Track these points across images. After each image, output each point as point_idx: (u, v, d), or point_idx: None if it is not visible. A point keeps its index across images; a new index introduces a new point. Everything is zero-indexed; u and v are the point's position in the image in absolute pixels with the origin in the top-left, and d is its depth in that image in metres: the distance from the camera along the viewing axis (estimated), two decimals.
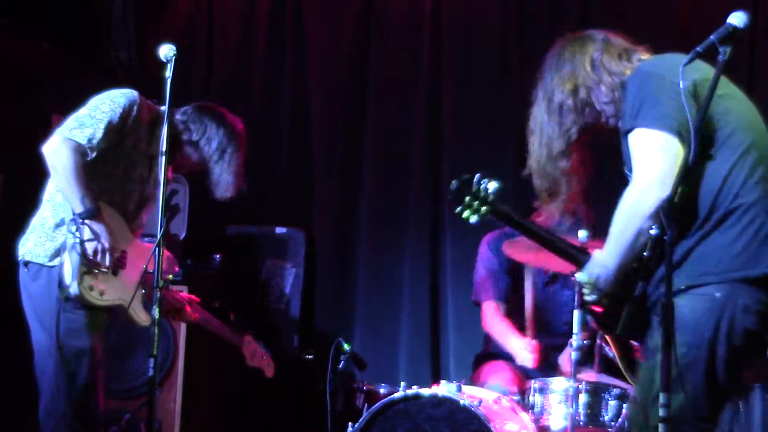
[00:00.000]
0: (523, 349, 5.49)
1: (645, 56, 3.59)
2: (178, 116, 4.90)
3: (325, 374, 5.33)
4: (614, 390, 4.83)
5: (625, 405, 4.76)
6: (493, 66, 6.85)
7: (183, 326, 5.82)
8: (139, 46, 7.61)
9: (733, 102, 3.41)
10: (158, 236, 4.26)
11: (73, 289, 4.41)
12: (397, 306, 6.98)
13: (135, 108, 4.66)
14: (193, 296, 5.13)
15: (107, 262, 4.51)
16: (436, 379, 6.06)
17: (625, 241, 3.32)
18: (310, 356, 6.54)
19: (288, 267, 6.75)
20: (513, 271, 5.77)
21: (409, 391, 4.88)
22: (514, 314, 5.73)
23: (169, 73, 4.30)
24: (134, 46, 7.63)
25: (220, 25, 7.54)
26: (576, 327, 4.75)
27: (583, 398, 4.82)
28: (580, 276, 3.51)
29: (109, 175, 4.63)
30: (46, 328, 4.47)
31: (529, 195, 3.92)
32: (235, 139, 5.02)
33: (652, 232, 3.09)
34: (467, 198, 3.62)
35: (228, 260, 6.32)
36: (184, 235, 6.18)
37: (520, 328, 5.64)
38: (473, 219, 3.61)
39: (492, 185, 3.65)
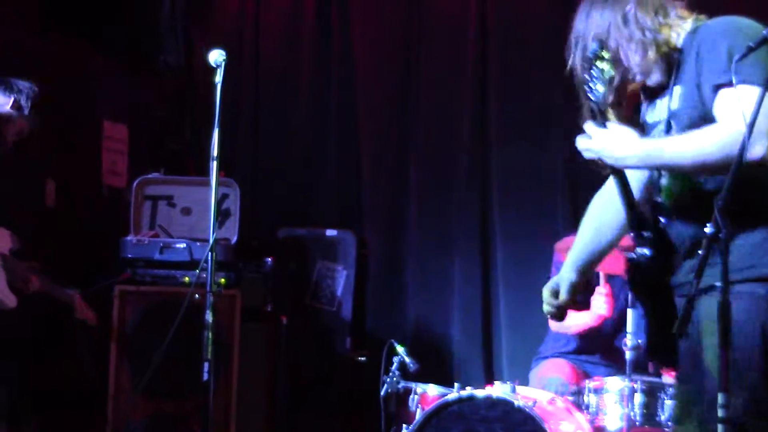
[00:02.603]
0: (599, 294, 5.39)
1: (685, 14, 3.43)
2: None
3: (377, 376, 5.33)
4: (671, 389, 4.77)
5: None
6: (539, 65, 6.82)
7: (236, 329, 5.84)
8: (187, 50, 7.66)
9: None
10: (211, 240, 4.28)
11: None
12: (449, 306, 6.96)
13: None
14: (34, 263, 5.10)
15: None
16: (489, 380, 6.05)
17: (690, 164, 3.18)
18: (362, 358, 6.54)
19: (339, 269, 6.76)
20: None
21: (463, 393, 4.87)
22: None
23: (219, 78, 4.32)
24: (182, 49, 7.68)
25: (267, 28, 7.56)
26: (630, 326, 4.73)
27: (639, 398, 4.78)
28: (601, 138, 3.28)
29: None
30: None
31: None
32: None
33: (707, 230, 3.03)
34: (597, 66, 3.26)
35: (279, 263, 6.33)
36: (235, 239, 6.20)
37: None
38: (592, 95, 3.26)
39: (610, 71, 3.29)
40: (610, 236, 3.68)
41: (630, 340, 4.72)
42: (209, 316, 4.26)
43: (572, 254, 3.73)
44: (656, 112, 3.45)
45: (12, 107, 4.82)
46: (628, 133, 3.31)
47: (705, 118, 3.23)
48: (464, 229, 6.99)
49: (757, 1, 5.73)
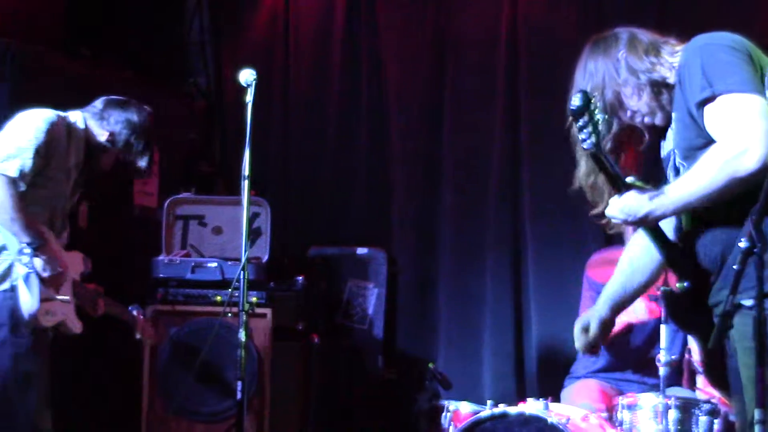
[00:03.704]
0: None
1: (676, 48, 3.42)
2: (88, 120, 4.90)
3: (410, 394, 5.32)
4: (705, 405, 4.73)
5: (716, 421, 4.68)
6: (570, 85, 6.78)
7: (269, 349, 5.84)
8: (216, 72, 7.71)
9: None
10: (242, 260, 4.30)
11: (35, 318, 4.46)
12: (481, 323, 6.94)
13: (55, 129, 4.67)
14: (98, 287, 5.10)
15: (60, 288, 4.56)
16: (522, 397, 6.02)
17: (702, 196, 3.15)
18: (394, 376, 6.54)
19: (370, 287, 6.75)
20: None
21: (496, 410, 4.84)
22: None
23: (249, 97, 4.35)
24: (212, 71, 7.73)
25: (296, 49, 7.59)
26: (664, 342, 4.70)
27: (673, 414, 4.73)
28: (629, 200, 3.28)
29: (37, 198, 4.63)
30: None
31: None
32: (142, 123, 4.95)
33: (742, 245, 3.01)
34: (586, 116, 3.27)
35: (310, 282, 6.34)
36: (266, 257, 6.21)
37: None
38: (586, 145, 3.27)
39: (602, 113, 3.30)
40: (644, 279, 3.70)
41: (664, 356, 4.69)
42: (242, 335, 4.27)
43: (608, 291, 3.75)
44: (666, 145, 3.48)
45: (107, 140, 4.88)
46: (637, 194, 3.29)
47: (699, 136, 3.23)
48: (495, 247, 6.97)
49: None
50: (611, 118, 3.42)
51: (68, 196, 4.86)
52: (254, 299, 5.74)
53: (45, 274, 4.49)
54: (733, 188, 3.11)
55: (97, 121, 4.90)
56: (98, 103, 4.96)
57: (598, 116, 3.25)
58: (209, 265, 6.06)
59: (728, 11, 6.47)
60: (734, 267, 2.97)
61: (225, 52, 7.72)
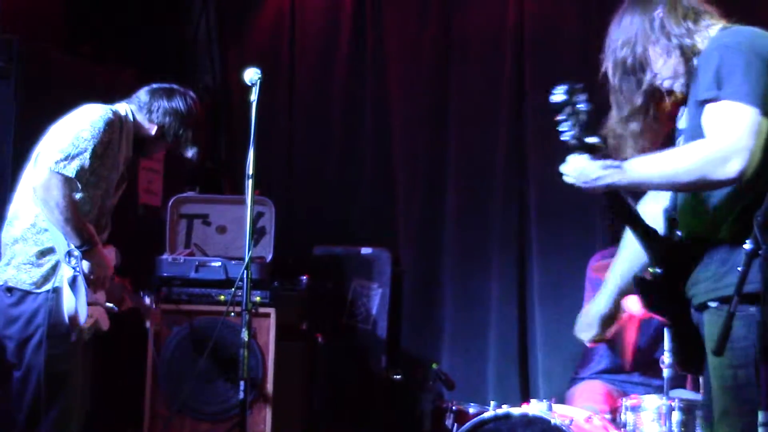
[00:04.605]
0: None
1: (715, 21, 3.41)
2: (136, 114, 4.85)
3: (413, 394, 5.32)
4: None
5: None
6: (576, 77, 6.77)
7: (272, 348, 5.84)
8: (222, 71, 7.71)
9: None
10: (246, 259, 4.29)
11: (76, 321, 4.43)
12: (485, 324, 6.93)
13: (113, 128, 4.62)
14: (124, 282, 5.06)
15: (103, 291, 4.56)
16: (525, 398, 6.02)
17: (666, 181, 3.20)
18: (398, 376, 6.53)
19: (374, 287, 6.75)
20: None
21: (500, 411, 4.84)
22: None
23: (254, 96, 4.34)
24: (218, 70, 7.73)
25: (302, 48, 7.58)
26: (667, 344, 4.69)
27: (676, 416, 4.73)
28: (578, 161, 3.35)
29: (90, 197, 4.60)
30: (26, 353, 4.47)
31: None
32: (189, 111, 4.89)
33: (747, 247, 3.01)
34: (568, 109, 3.33)
35: (314, 281, 6.33)
36: (270, 257, 6.21)
37: None
38: (565, 137, 3.34)
39: (586, 104, 3.32)
40: (641, 263, 3.68)
41: (667, 358, 4.68)
42: (245, 335, 4.26)
43: (609, 285, 3.74)
44: (681, 121, 3.47)
45: (156, 133, 4.85)
46: (590, 159, 3.33)
47: (702, 126, 3.22)
48: (500, 247, 6.96)
49: None
50: (638, 75, 3.40)
51: (113, 193, 4.83)
52: (258, 299, 5.74)
53: (92, 278, 4.46)
54: (698, 187, 3.16)
55: (145, 114, 4.83)
56: (143, 95, 4.88)
57: (582, 107, 3.28)
58: (213, 264, 6.06)
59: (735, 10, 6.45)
60: (738, 269, 2.97)
61: (231, 51, 7.72)
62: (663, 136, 3.47)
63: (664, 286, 3.43)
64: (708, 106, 3.16)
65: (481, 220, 7.05)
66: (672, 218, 3.45)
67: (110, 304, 4.73)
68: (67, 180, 4.39)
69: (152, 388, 5.89)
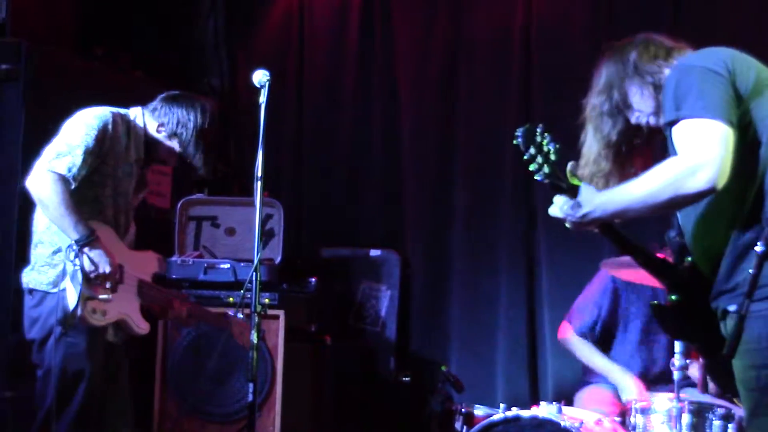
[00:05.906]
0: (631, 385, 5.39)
1: (684, 53, 3.48)
2: (147, 118, 4.88)
3: (422, 396, 5.31)
4: (719, 410, 4.70)
5: (730, 425, 4.65)
6: (584, 87, 6.76)
7: (280, 350, 5.84)
8: (231, 73, 7.71)
9: None
10: (255, 261, 4.28)
11: (77, 316, 4.43)
12: (494, 326, 6.92)
13: (109, 127, 4.65)
14: (180, 292, 5.05)
15: (108, 286, 4.54)
16: (534, 400, 6.00)
17: (643, 205, 3.18)
18: (407, 378, 6.52)
19: (383, 289, 6.74)
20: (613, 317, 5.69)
21: (509, 413, 4.82)
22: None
23: (263, 98, 4.34)
24: (226, 72, 7.73)
25: (310, 50, 7.59)
26: (678, 347, 4.68)
27: (686, 418, 4.71)
28: (561, 202, 3.40)
29: (98, 196, 4.65)
30: (45, 352, 4.51)
31: None
32: (201, 122, 4.90)
33: (758, 249, 3.00)
34: (532, 149, 3.41)
35: (323, 283, 6.33)
36: (279, 259, 6.21)
37: None
38: (538, 176, 3.40)
39: (553, 143, 3.44)
40: None
41: (678, 360, 4.66)
42: (254, 337, 4.25)
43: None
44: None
45: (167, 139, 4.86)
46: (587, 191, 3.39)
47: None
48: (509, 249, 6.95)
49: None
50: (619, 116, 3.52)
51: (131, 194, 4.87)
52: (267, 300, 5.74)
53: (90, 272, 4.49)
54: (674, 205, 3.18)
55: (156, 119, 4.86)
56: (158, 101, 4.92)
57: (548, 147, 3.39)
58: (222, 266, 6.06)
59: (743, 10, 6.45)
60: (750, 271, 2.97)
61: (239, 53, 7.72)
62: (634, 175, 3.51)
63: (685, 312, 3.46)
64: (673, 130, 3.18)
65: (490, 222, 7.03)
66: (680, 244, 3.46)
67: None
68: (59, 177, 4.46)
69: (161, 390, 5.90)
